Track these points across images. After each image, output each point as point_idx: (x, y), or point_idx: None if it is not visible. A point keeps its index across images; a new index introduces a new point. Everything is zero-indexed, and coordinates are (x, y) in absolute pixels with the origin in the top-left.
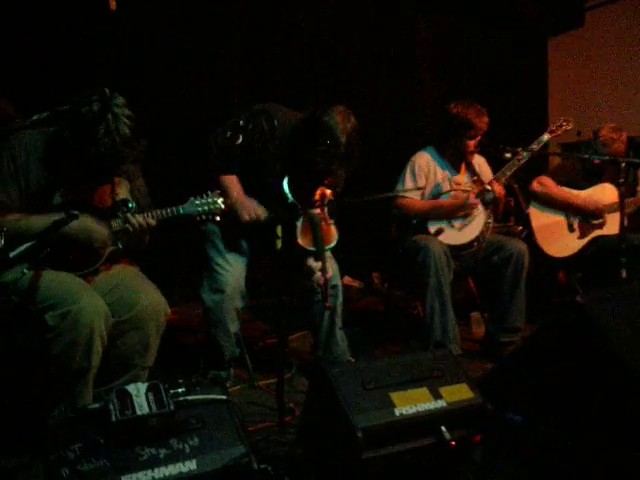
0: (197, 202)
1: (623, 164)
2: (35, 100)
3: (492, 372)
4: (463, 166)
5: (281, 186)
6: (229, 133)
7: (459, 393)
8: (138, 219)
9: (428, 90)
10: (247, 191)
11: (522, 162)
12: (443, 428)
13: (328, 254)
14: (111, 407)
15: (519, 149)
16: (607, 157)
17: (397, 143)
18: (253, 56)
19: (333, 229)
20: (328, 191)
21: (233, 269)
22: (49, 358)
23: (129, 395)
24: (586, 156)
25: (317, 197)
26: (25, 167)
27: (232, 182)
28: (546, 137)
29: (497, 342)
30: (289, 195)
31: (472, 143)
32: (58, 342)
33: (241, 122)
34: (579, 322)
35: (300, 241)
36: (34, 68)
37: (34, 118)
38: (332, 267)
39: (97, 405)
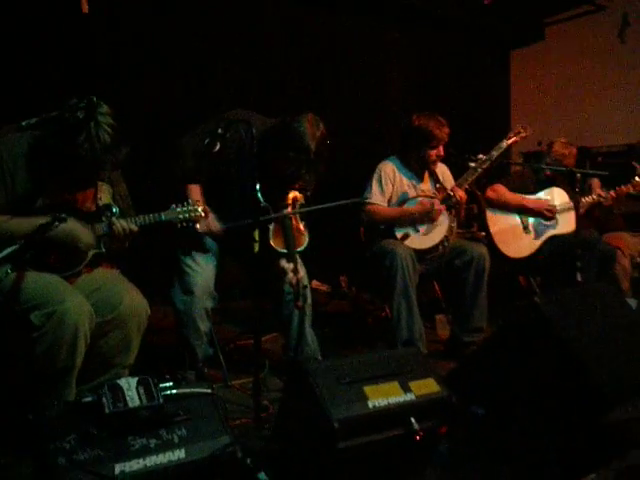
0: (178, 209)
1: (578, 175)
2: (18, 106)
3: (456, 368)
4: (426, 175)
5: (254, 191)
6: (207, 140)
7: (427, 387)
8: (122, 224)
9: (395, 100)
10: (216, 198)
11: (482, 169)
12: (412, 419)
13: (298, 257)
14: (104, 400)
15: (480, 156)
16: (564, 168)
17: (365, 151)
18: (228, 64)
19: (304, 232)
20: (299, 195)
21: (202, 270)
22: (33, 356)
23: (121, 389)
24: (544, 167)
25: (289, 201)
26: (12, 170)
27: (196, 192)
28: (504, 144)
29: (460, 342)
30: (261, 199)
31: (434, 153)
32: (43, 341)
33: (219, 130)
34: (536, 321)
35: (272, 243)
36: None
37: (23, 123)
38: (303, 268)
39: (90, 398)
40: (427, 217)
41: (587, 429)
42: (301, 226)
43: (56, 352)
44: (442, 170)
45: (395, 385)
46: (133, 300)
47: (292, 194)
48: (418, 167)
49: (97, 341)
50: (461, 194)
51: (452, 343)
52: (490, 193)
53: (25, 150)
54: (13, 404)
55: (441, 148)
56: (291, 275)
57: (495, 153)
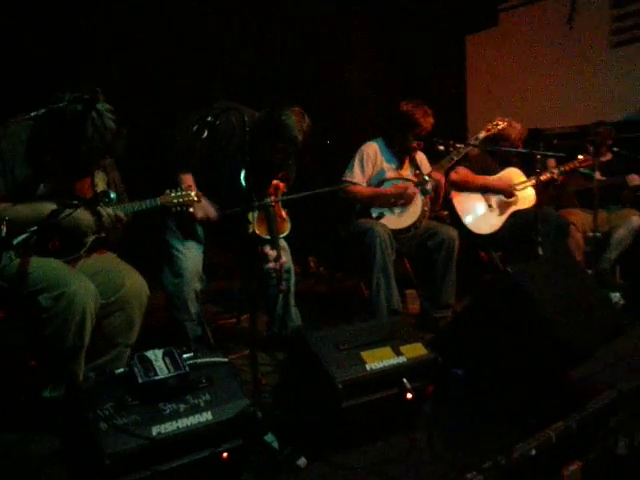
0: (172, 194)
1: (539, 156)
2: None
3: (436, 335)
4: (407, 161)
5: (238, 179)
6: (195, 127)
7: (416, 350)
8: (108, 212)
9: (355, 87)
10: (206, 184)
11: (459, 156)
12: (405, 380)
13: (282, 242)
14: (136, 371)
15: (459, 145)
16: (525, 150)
17: (329, 137)
18: (202, 57)
19: (286, 219)
20: (281, 184)
21: (191, 254)
22: (43, 338)
23: (149, 360)
24: (505, 149)
25: (272, 189)
26: (11, 160)
27: (188, 180)
28: (482, 134)
29: (431, 317)
30: (246, 188)
31: (416, 141)
32: (53, 322)
33: (209, 118)
34: (509, 288)
35: (257, 230)
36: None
37: (32, 114)
38: (286, 254)
39: (122, 370)
40: (401, 199)
41: (556, 383)
42: (283, 213)
43: (66, 332)
44: (421, 158)
45: (388, 349)
46: (134, 282)
47: (275, 183)
48: (400, 152)
49: (101, 321)
50: (438, 176)
51: (423, 318)
52: (454, 176)
53: (24, 141)
54: (24, 384)
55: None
56: (273, 262)
57: (473, 142)
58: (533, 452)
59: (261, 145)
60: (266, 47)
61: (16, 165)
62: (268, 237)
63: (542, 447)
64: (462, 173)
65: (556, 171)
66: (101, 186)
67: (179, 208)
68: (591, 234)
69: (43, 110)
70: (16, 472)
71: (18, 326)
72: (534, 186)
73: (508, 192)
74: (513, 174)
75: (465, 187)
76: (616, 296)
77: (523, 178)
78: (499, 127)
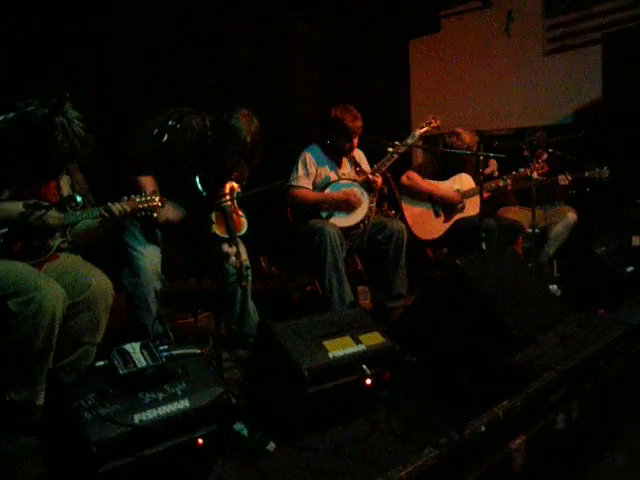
0: (137, 200)
1: (481, 157)
2: None
3: (391, 325)
4: (344, 160)
5: (194, 182)
6: (156, 130)
7: (374, 339)
8: (118, 207)
9: (301, 89)
10: (163, 188)
11: (398, 155)
12: (364, 366)
13: (239, 239)
14: (116, 363)
15: (396, 143)
16: (469, 152)
17: (276, 139)
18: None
19: (243, 218)
20: (236, 185)
21: (149, 253)
22: (10, 342)
23: (128, 353)
24: (449, 151)
25: (227, 190)
26: None
27: (149, 182)
28: (418, 132)
29: (385, 308)
30: (202, 190)
31: (347, 145)
32: (21, 327)
33: (170, 122)
34: (457, 278)
35: (216, 230)
36: None
37: (1, 118)
38: (244, 250)
39: (102, 363)
40: (347, 205)
41: (500, 367)
42: (240, 212)
43: (35, 336)
44: (358, 155)
45: (348, 339)
46: (100, 282)
47: (229, 184)
48: (336, 154)
49: (67, 322)
50: (378, 180)
51: (377, 310)
52: (405, 180)
53: None
54: None
55: (355, 140)
56: (234, 258)
57: (410, 141)
58: (483, 428)
59: (212, 148)
60: (209, 52)
61: None
62: (226, 236)
63: (491, 423)
64: (413, 177)
65: (510, 181)
66: (66, 189)
67: (144, 213)
68: (529, 230)
69: (12, 114)
70: None
71: None
72: (479, 193)
73: (456, 202)
74: (464, 180)
75: (415, 192)
76: (554, 287)
77: (473, 185)
78: (432, 125)
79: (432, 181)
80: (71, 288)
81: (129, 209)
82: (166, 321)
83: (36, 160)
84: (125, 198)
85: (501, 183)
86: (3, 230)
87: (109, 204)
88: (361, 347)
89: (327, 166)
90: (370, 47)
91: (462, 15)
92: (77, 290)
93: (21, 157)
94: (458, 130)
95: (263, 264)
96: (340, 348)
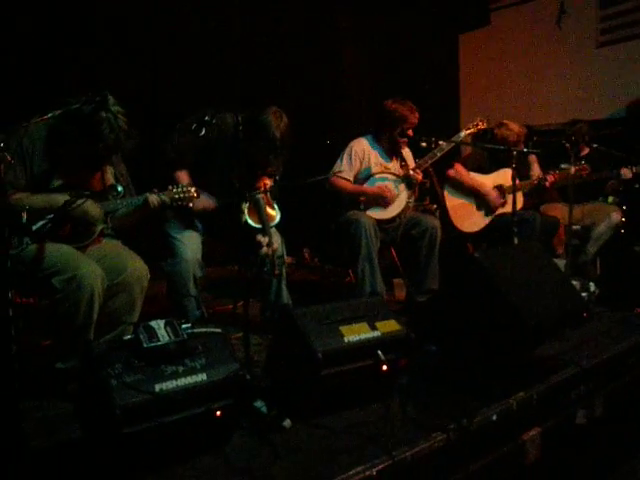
0: (174, 190)
1: (515, 152)
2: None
3: (412, 315)
4: (394, 157)
5: (229, 174)
6: (194, 125)
7: (390, 326)
8: (155, 198)
9: (350, 84)
10: (201, 178)
11: (441, 153)
12: (379, 352)
13: (274, 230)
14: (141, 337)
15: (433, 139)
16: (501, 147)
17: (325, 132)
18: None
19: (275, 211)
20: (268, 181)
21: (190, 242)
22: (57, 316)
23: (153, 329)
24: (488, 146)
25: (260, 185)
26: (30, 154)
27: (184, 177)
28: (463, 133)
29: (416, 302)
30: (235, 182)
31: (403, 137)
32: (65, 302)
33: (207, 117)
34: (476, 272)
35: (249, 220)
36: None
37: (49, 115)
38: (277, 241)
39: (129, 337)
40: (383, 199)
41: (518, 360)
42: (273, 204)
43: (77, 310)
44: (407, 153)
45: (364, 325)
46: (136, 266)
47: (263, 179)
48: (389, 147)
49: (106, 302)
50: (419, 176)
51: (408, 303)
52: (451, 172)
53: (43, 137)
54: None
55: (410, 131)
56: (265, 248)
57: (455, 141)
58: (494, 417)
59: (243, 144)
60: (258, 49)
61: (35, 159)
62: (259, 226)
63: (503, 413)
64: (459, 171)
65: (544, 175)
66: (110, 179)
67: (179, 203)
68: (574, 227)
69: (59, 111)
70: (36, 430)
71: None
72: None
73: (494, 205)
74: (508, 175)
75: (459, 185)
76: (592, 285)
77: (516, 181)
78: (479, 127)
79: (477, 175)
80: (109, 271)
81: (167, 200)
82: (205, 307)
83: (84, 152)
84: (170, 187)
85: (536, 181)
86: (49, 216)
87: (147, 194)
88: (376, 333)
89: (377, 158)
90: (419, 42)
91: (513, 8)
92: (115, 273)
93: (71, 149)
94: (505, 121)
95: (306, 255)
96: (355, 333)
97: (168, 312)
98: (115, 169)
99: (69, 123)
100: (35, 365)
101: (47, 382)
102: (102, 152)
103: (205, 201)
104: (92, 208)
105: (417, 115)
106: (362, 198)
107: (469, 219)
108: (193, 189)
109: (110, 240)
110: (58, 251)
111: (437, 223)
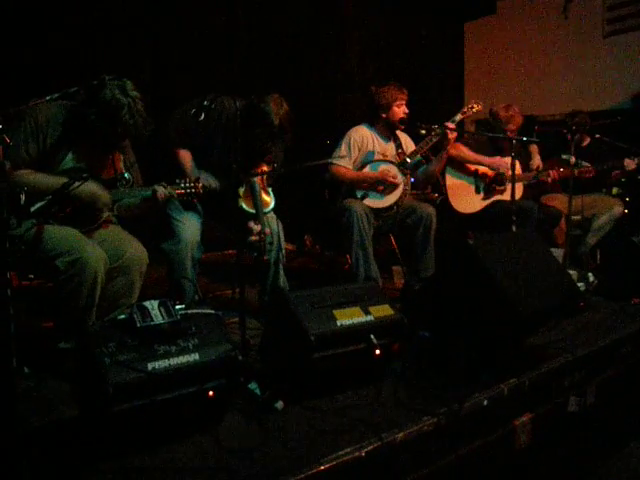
0: (182, 185)
1: (514, 141)
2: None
3: (406, 302)
4: (392, 140)
5: (227, 158)
6: (194, 110)
7: (383, 311)
8: (163, 190)
9: (354, 72)
10: (201, 162)
11: (437, 139)
12: (372, 336)
13: (272, 216)
14: (135, 317)
15: (434, 126)
16: (502, 135)
17: (330, 121)
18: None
19: (270, 195)
20: (266, 167)
21: (190, 223)
22: (60, 297)
23: (146, 309)
24: (488, 134)
25: (258, 171)
26: (44, 132)
27: (186, 156)
28: (458, 117)
29: (412, 289)
30: (233, 167)
31: (400, 111)
32: (68, 283)
33: (205, 102)
34: (469, 259)
35: (243, 204)
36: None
37: (47, 98)
38: (275, 226)
39: (124, 316)
40: (382, 185)
41: (511, 347)
42: (268, 190)
43: (79, 292)
44: (404, 138)
45: (357, 309)
46: (135, 250)
47: (261, 166)
48: (385, 131)
49: (106, 285)
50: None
51: (405, 290)
52: (453, 151)
53: (60, 118)
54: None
55: (405, 107)
56: (255, 236)
57: (450, 125)
58: (485, 402)
59: (243, 129)
60: (262, 38)
61: (48, 136)
62: (253, 211)
63: (494, 399)
64: (460, 148)
65: (551, 172)
66: (119, 166)
67: (185, 198)
68: (575, 218)
69: (57, 94)
70: (36, 408)
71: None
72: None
73: (500, 178)
74: (508, 163)
75: (461, 162)
76: (590, 276)
77: (518, 171)
78: (474, 109)
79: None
80: (109, 254)
81: (174, 194)
82: (205, 292)
83: (102, 136)
84: (177, 181)
85: (534, 176)
86: (47, 197)
87: (155, 187)
88: (369, 317)
89: (374, 141)
90: (424, 30)
91: None
92: (114, 256)
93: (89, 133)
94: (511, 104)
95: (307, 242)
96: (349, 317)
97: (170, 295)
98: (125, 157)
99: (89, 106)
100: (37, 346)
101: (50, 362)
102: (120, 136)
103: (209, 180)
104: (102, 194)
105: (405, 91)
106: (363, 184)
107: (465, 199)
108: (200, 185)
109: (111, 225)
110: (62, 233)
111: (432, 210)
